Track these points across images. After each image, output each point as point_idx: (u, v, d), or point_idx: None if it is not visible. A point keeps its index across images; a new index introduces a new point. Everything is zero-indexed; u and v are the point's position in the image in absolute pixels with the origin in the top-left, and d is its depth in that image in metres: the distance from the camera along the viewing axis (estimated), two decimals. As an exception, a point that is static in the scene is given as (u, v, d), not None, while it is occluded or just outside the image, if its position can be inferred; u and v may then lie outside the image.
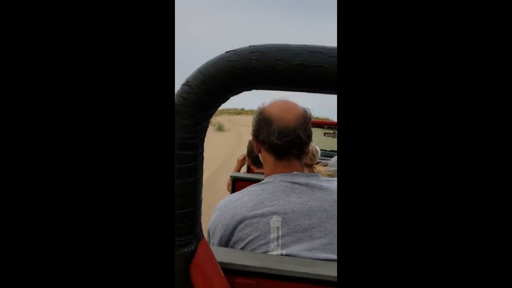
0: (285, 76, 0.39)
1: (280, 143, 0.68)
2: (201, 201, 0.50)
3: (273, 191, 0.68)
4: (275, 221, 0.64)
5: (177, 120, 0.44)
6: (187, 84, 0.43)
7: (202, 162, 0.49)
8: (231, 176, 1.44)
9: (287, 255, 0.62)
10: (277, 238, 0.64)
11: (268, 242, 0.63)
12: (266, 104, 0.75)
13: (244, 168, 1.99)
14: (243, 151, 1.90)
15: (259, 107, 0.75)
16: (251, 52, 0.40)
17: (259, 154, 0.79)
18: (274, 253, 0.63)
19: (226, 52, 0.42)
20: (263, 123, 0.71)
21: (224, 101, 0.45)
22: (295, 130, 0.69)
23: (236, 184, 1.39)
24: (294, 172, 0.72)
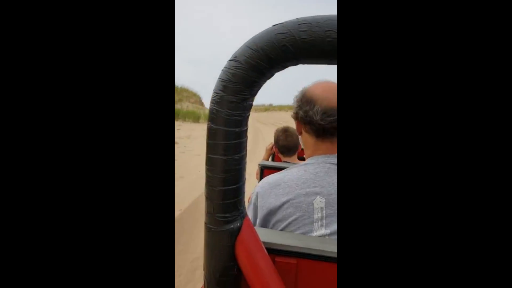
0: (336, 47, 0.38)
1: (323, 123, 0.67)
2: (245, 179, 0.50)
3: (316, 172, 0.67)
4: (318, 201, 0.64)
5: (224, 97, 0.44)
6: (234, 59, 0.43)
7: (247, 140, 0.49)
8: (259, 164, 1.45)
9: (330, 234, 0.62)
10: (321, 218, 0.63)
11: (312, 222, 0.63)
12: (309, 85, 0.74)
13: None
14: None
15: (301, 89, 0.74)
16: (299, 24, 0.40)
17: (300, 136, 0.78)
18: (318, 233, 0.63)
19: (273, 25, 0.42)
20: (306, 103, 0.70)
21: (269, 77, 0.45)
22: None
23: (264, 172, 1.41)
24: (336, 154, 0.70)
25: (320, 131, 0.69)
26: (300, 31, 0.39)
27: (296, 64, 0.43)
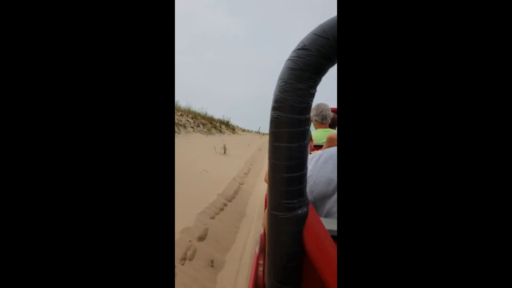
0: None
1: None
2: (307, 167, 0.51)
3: None
4: None
5: (293, 84, 0.45)
6: (303, 47, 0.44)
7: (309, 129, 0.50)
8: None
9: None
10: None
11: None
12: None
13: None
14: None
15: None
16: None
17: None
18: None
19: None
20: None
21: (335, 63, 0.46)
22: None
23: None
24: None
25: None
26: None
27: None
